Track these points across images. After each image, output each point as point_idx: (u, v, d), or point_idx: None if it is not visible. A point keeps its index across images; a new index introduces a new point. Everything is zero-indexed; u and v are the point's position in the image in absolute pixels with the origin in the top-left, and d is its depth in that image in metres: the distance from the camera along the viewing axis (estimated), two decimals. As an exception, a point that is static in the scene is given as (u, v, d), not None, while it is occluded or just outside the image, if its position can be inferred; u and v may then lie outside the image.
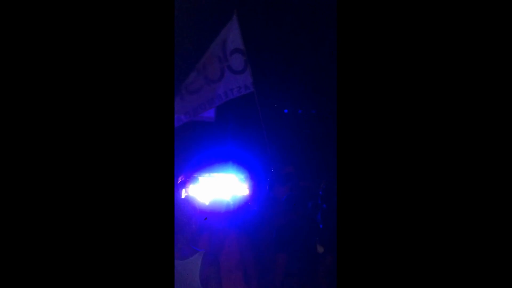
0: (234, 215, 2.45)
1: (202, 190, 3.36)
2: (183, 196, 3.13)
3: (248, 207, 2.90)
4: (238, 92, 3.50)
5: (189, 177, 3.58)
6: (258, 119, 3.55)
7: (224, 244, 2.15)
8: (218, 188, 3.54)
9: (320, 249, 2.08)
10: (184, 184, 3.32)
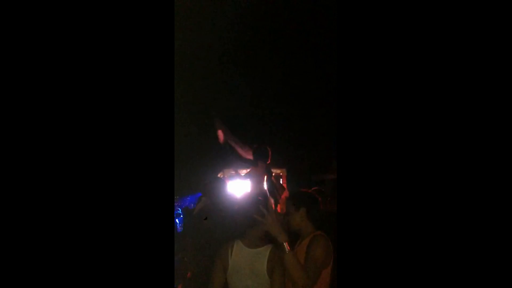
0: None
1: (238, 187, 3.84)
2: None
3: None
4: None
5: (227, 175, 4.10)
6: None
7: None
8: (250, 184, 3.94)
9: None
10: (223, 180, 3.77)
